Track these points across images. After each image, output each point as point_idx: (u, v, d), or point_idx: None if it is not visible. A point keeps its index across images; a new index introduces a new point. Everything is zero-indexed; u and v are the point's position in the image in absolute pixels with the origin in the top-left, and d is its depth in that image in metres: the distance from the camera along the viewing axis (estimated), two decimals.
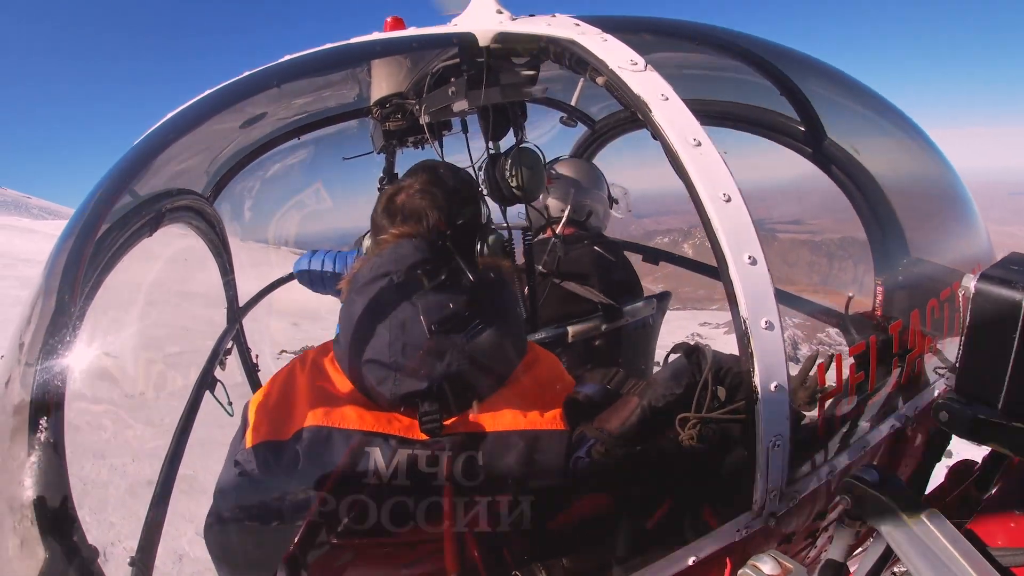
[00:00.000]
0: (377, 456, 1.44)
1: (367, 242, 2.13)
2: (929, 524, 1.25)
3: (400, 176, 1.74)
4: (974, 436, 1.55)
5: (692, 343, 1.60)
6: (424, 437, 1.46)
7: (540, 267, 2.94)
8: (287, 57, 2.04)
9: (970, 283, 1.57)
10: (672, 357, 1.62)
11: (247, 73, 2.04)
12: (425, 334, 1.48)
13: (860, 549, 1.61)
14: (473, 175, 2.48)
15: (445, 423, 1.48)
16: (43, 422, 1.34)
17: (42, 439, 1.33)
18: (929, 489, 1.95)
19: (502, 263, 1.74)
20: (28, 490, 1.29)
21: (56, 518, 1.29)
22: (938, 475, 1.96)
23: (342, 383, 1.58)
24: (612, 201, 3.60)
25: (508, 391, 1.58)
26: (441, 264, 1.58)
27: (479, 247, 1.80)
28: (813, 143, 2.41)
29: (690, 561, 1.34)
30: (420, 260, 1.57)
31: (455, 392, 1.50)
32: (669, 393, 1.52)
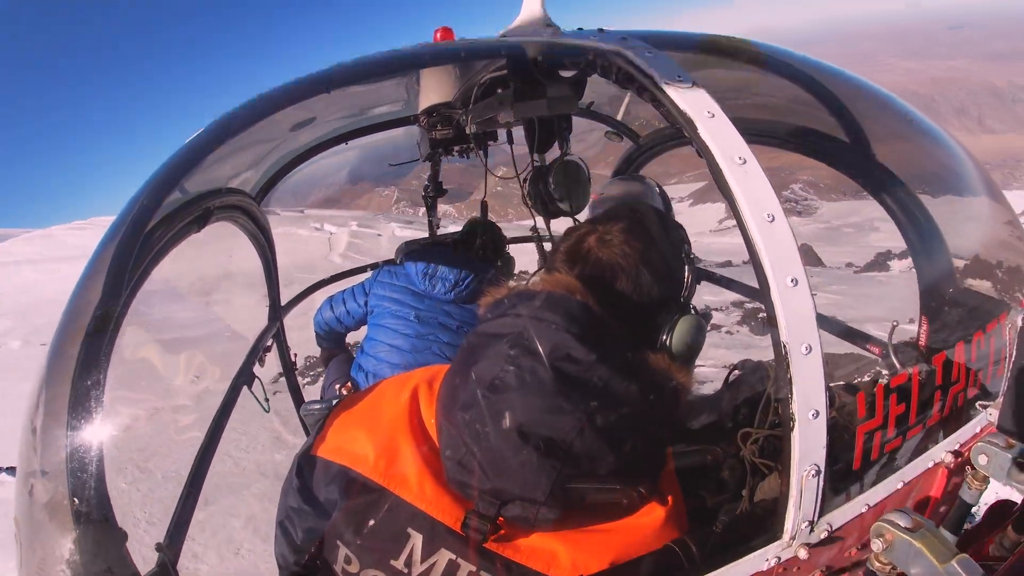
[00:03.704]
0: (417, 544, 1.19)
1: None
2: (959, 570, 1.22)
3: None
4: (1013, 480, 1.50)
5: (755, 361, 1.54)
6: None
7: None
8: (338, 63, 2.08)
9: (1018, 317, 1.53)
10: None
11: (299, 77, 2.08)
12: (515, 446, 1.12)
13: None
14: (520, 186, 2.49)
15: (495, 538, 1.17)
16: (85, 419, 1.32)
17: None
18: (966, 528, 1.89)
19: (676, 374, 1.30)
20: (63, 473, 1.29)
21: (89, 499, 1.28)
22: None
23: (428, 420, 1.30)
24: None
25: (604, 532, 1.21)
26: (594, 352, 1.19)
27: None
28: (860, 166, 2.37)
29: None
30: (563, 342, 1.18)
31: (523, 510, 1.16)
32: None
